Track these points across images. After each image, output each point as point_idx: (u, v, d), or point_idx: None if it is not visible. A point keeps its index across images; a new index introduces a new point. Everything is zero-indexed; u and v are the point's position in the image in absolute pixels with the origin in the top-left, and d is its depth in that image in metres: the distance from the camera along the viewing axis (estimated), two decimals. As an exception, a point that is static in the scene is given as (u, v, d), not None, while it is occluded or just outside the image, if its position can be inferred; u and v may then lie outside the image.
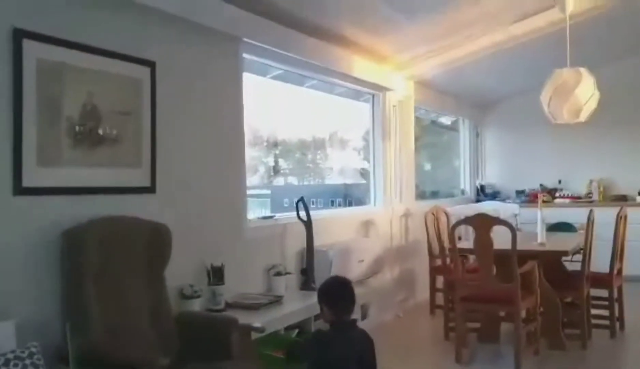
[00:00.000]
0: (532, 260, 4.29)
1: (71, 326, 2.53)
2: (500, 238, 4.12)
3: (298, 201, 4.25)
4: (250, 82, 5.18)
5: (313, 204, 6.87)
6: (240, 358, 2.84)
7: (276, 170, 6.45)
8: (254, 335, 3.05)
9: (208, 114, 3.61)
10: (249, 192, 6.34)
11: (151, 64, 3.13)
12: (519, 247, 4.13)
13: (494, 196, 8.30)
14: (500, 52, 5.82)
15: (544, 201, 6.17)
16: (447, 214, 6.13)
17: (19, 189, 2.48)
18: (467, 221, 4.31)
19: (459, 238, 4.99)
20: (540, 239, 4.64)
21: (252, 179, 6.47)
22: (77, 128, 2.72)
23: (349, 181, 6.84)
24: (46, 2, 2.64)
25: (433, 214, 5.93)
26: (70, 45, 2.69)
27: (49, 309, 2.57)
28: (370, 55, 5.38)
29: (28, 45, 2.51)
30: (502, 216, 5.03)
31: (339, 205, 6.41)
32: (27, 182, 2.50)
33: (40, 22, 2.58)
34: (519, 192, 8.12)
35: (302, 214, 4.24)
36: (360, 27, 4.74)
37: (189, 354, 2.88)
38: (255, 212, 4.48)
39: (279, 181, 6.53)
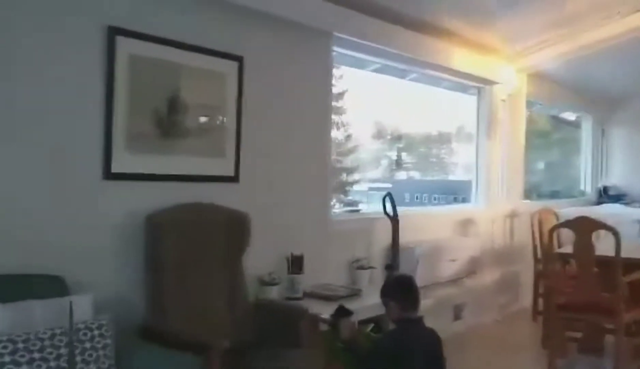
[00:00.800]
0: (642, 270, 3.94)
1: (150, 305, 2.75)
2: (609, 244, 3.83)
3: (385, 196, 4.21)
4: (356, 76, 5.25)
5: (435, 200, 6.79)
6: (308, 347, 2.89)
7: (399, 164, 6.45)
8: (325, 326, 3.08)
9: (295, 108, 3.69)
10: (370, 185, 6.39)
11: (239, 59, 3.26)
12: (631, 255, 3.81)
13: (618, 198, 7.66)
14: (629, 43, 5.33)
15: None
16: (557, 216, 5.78)
17: (108, 174, 2.70)
18: (567, 223, 4.04)
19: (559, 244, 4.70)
20: (657, 248, 4.24)
21: (374, 173, 6.53)
22: (164, 119, 2.91)
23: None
24: (139, 2, 2.85)
25: (541, 215, 5.62)
26: (159, 40, 2.87)
27: (131, 288, 2.78)
28: (475, 47, 5.18)
29: (121, 41, 2.72)
30: (619, 221, 4.65)
31: (462, 201, 6.30)
32: (116, 167, 2.72)
33: (133, 21, 2.79)
34: (647, 197, 7.45)
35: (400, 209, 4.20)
36: (462, 18, 4.59)
37: (262, 339, 2.99)
38: (373, 206, 4.50)
39: (402, 175, 6.51)
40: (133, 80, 2.77)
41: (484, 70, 5.44)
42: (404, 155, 6.53)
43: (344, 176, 6.21)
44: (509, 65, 5.72)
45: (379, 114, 5.94)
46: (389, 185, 6.59)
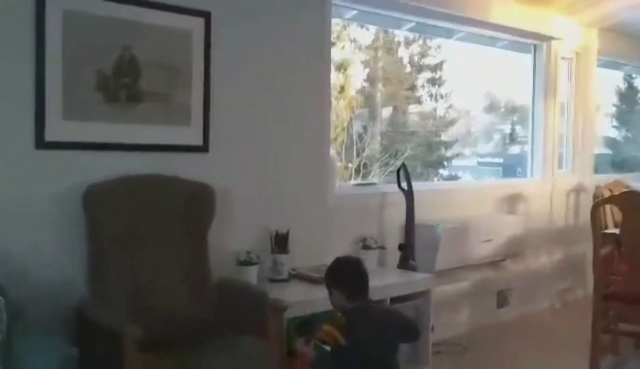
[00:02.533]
0: None
1: (92, 289, 2.54)
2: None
3: (399, 169, 3.75)
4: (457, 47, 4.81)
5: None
6: (268, 337, 2.56)
7: (512, 137, 6.11)
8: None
9: (282, 68, 3.31)
10: (479, 160, 5.99)
11: (205, 15, 2.94)
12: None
13: None
14: None
15: None
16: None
17: (42, 143, 2.49)
18: (613, 199, 3.40)
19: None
20: None
21: (486, 147, 6.14)
22: (109, 82, 2.65)
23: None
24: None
25: (610, 190, 4.86)
26: (101, -5, 2.61)
27: (73, 267, 2.57)
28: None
29: (52, -4, 2.48)
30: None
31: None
32: (50, 136, 2.51)
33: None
34: None
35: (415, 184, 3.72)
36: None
37: (223, 324, 2.70)
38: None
39: (515, 149, 6.09)
40: (68, 40, 2.53)
41: (536, 24, 4.75)
42: (518, 128, 6.09)
43: (442, 150, 5.90)
44: (569, 16, 4.96)
45: (491, 85, 5.52)
46: (500, 160, 6.13)
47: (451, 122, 6.08)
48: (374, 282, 3.26)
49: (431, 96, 6.34)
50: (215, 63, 3.01)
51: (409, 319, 2.56)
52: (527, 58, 5.15)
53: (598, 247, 3.49)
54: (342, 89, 5.73)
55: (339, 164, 5.36)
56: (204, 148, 2.99)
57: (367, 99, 5.55)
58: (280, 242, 3.20)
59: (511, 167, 5.85)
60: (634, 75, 7.22)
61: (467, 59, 5.29)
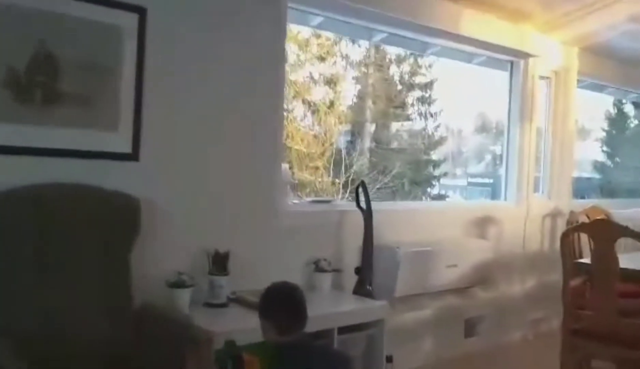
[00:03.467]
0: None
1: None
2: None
3: (358, 186, 3.48)
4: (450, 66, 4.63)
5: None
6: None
7: (502, 158, 5.90)
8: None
9: (229, 70, 3.04)
10: (470, 180, 5.82)
11: (139, 10, 2.67)
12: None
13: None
14: None
15: None
16: (609, 218, 4.74)
17: None
18: (583, 227, 3.14)
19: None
20: None
21: (477, 167, 5.97)
22: (22, 79, 2.37)
23: (584, 174, 5.79)
24: None
25: (587, 216, 4.61)
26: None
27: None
28: (500, 11, 4.29)
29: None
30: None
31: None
32: (-55, 137, 2.23)
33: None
34: None
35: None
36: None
37: (140, 357, 2.40)
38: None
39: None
40: (-28, 32, 2.26)
41: (512, 40, 4.53)
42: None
43: (431, 168, 5.73)
44: (548, 34, 4.75)
45: (483, 105, 5.38)
46: (490, 180, 5.91)
47: (440, 141, 5.94)
48: (323, 309, 3.03)
49: (421, 114, 6.20)
50: (150, 63, 2.74)
51: (344, 359, 2.27)
52: (504, 76, 4.94)
53: (568, 278, 3.23)
54: (332, 104, 5.53)
55: (326, 179, 5.18)
56: (132, 156, 2.70)
57: (357, 115, 5.39)
58: (219, 263, 2.90)
59: (500, 188, 5.61)
60: (624, 101, 7.06)
61: (458, 78, 5.11)
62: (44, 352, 2.16)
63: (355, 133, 5.47)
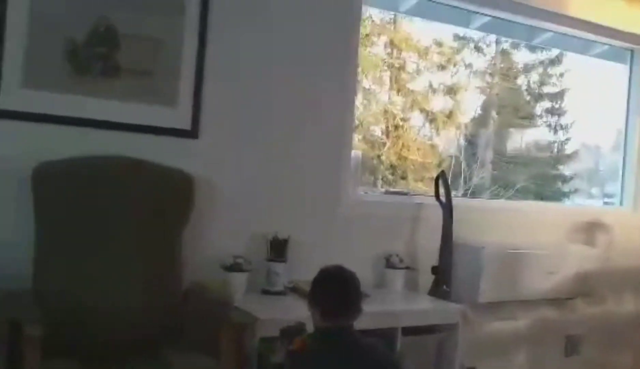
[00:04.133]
0: None
1: (34, 277, 2.25)
2: None
3: (438, 177, 3.19)
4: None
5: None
6: (226, 360, 2.13)
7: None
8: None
9: (299, 48, 2.90)
10: (606, 200, 5.32)
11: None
12: None
13: None
14: None
15: None
16: None
17: (-5, 110, 2.26)
18: None
19: None
20: None
21: (616, 187, 5.47)
22: (81, 52, 2.39)
23: None
24: None
25: None
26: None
27: (17, 252, 2.26)
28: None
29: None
30: None
31: None
32: (6, 104, 2.27)
33: None
34: None
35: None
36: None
37: (185, 335, 2.31)
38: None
39: None
40: (37, 2, 2.29)
41: (634, 23, 3.99)
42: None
43: (559, 184, 5.38)
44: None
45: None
46: None
47: (571, 156, 5.47)
48: (386, 306, 2.78)
49: (550, 126, 5.80)
50: (213, 38, 2.66)
51: (388, 360, 2.02)
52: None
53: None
54: (450, 114, 5.31)
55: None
56: (192, 133, 2.64)
57: (479, 125, 5.15)
58: (278, 249, 2.76)
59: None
60: None
61: (593, 90, 4.58)
62: (82, 319, 2.13)
63: (477, 144, 5.18)
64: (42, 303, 2.09)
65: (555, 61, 5.68)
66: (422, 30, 5.21)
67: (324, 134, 3.00)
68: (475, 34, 4.96)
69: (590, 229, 3.99)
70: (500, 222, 3.59)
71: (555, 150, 5.46)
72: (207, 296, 2.39)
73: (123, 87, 2.48)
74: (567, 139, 5.54)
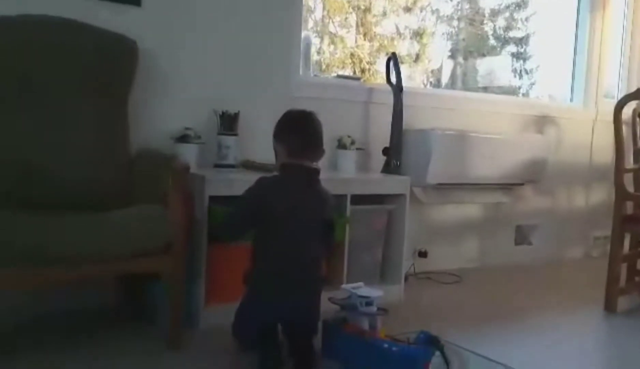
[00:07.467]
0: None
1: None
2: None
3: (389, 59, 3.20)
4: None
5: None
6: (173, 206, 2.14)
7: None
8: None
9: None
10: None
11: None
12: None
13: None
14: None
15: None
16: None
17: None
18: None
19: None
20: None
21: None
22: None
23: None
24: None
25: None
26: None
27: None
28: None
29: None
30: None
31: None
32: None
33: None
34: None
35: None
36: None
37: (132, 196, 2.32)
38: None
39: None
40: None
41: None
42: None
43: None
44: None
45: None
46: None
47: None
48: (334, 176, 2.83)
49: (515, 71, 5.82)
50: None
51: (326, 195, 2.16)
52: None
53: (621, 159, 2.83)
54: (417, 57, 5.29)
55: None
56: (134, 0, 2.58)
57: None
58: (228, 123, 2.76)
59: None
60: None
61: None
62: (27, 188, 2.12)
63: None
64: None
65: (521, 4, 5.70)
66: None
67: (274, 14, 2.97)
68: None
69: (541, 122, 4.08)
70: (453, 112, 3.65)
71: (520, 95, 5.53)
72: (156, 159, 2.38)
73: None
74: (532, 84, 5.59)
